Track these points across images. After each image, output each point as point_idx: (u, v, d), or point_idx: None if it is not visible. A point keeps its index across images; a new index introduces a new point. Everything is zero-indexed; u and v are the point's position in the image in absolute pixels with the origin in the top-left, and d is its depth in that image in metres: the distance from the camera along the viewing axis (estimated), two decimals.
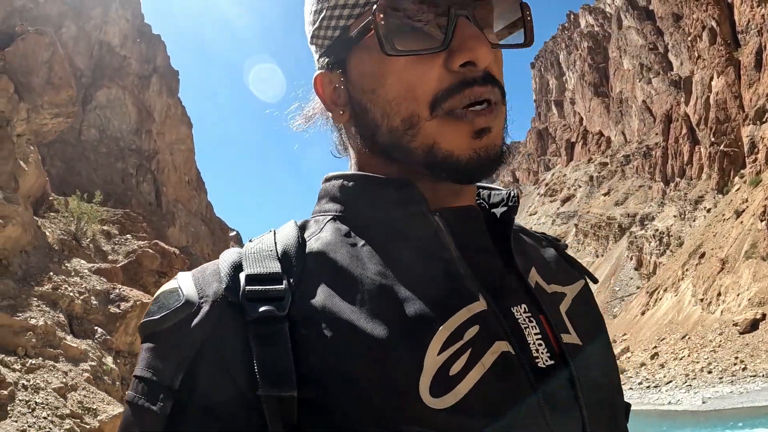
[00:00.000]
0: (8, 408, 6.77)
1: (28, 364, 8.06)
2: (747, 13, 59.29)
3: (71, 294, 10.66)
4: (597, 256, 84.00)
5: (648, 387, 31.81)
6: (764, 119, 50.94)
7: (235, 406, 0.61)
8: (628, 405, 0.87)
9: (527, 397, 0.65)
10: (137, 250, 17.88)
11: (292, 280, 0.66)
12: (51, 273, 10.87)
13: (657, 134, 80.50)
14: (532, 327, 0.70)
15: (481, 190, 0.86)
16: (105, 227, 18.64)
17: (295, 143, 0.97)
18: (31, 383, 7.60)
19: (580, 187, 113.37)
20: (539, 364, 0.67)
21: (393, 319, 0.64)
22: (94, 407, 8.05)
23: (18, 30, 15.84)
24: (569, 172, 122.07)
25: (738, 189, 50.42)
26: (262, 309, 0.62)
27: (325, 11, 0.76)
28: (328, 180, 0.81)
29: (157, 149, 54.14)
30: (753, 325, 31.65)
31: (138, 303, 11.89)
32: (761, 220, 36.68)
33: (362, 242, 0.71)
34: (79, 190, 20.28)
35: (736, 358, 29.87)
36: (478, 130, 0.70)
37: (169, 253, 18.86)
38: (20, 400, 7.10)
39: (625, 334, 48.59)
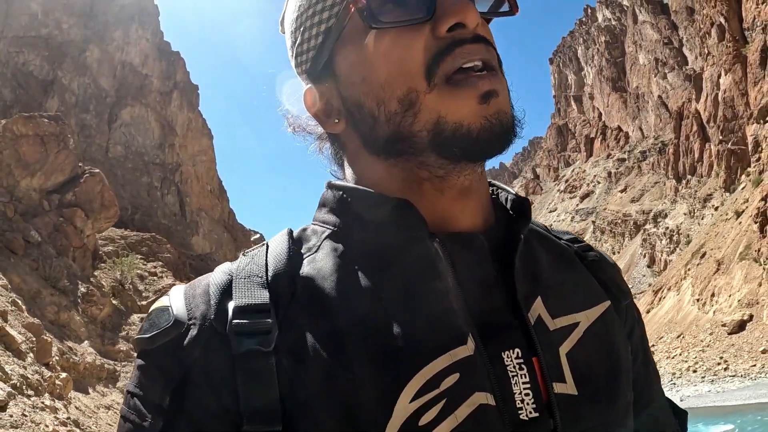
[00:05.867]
0: (119, 378, 16.63)
1: (121, 364, 17.80)
2: (753, 10, 58.46)
3: (134, 334, 20.08)
4: (614, 253, 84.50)
5: None
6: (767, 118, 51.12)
7: None
8: None
9: None
10: (163, 289, 25.44)
11: (279, 311, 0.65)
12: (123, 324, 20.68)
13: (670, 131, 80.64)
14: (521, 375, 0.64)
15: (491, 187, 0.82)
16: (139, 271, 26.56)
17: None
18: (124, 370, 17.35)
19: (598, 183, 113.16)
20: (521, 417, 0.63)
21: (372, 358, 0.62)
22: None
23: (80, 172, 24.07)
24: (588, 168, 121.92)
25: (744, 188, 50.37)
26: (248, 346, 0.61)
27: (305, 23, 0.75)
28: (330, 187, 0.79)
29: (180, 162, 56.88)
30: (740, 326, 32.24)
31: None
32: (755, 222, 37.01)
33: (355, 268, 0.68)
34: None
35: (721, 358, 30.55)
36: (483, 94, 0.65)
37: None
38: (122, 377, 16.83)
39: None
